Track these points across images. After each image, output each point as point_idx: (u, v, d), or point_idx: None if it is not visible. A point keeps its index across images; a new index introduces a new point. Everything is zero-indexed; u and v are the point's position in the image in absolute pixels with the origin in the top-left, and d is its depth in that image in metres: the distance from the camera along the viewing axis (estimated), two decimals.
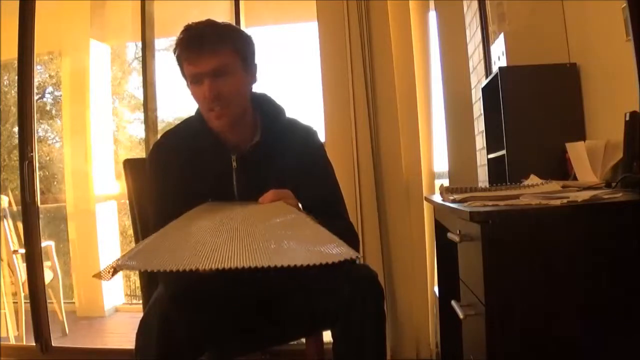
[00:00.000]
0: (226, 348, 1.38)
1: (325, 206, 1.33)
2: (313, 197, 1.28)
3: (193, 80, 1.27)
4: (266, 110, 1.38)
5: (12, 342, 3.18)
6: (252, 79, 1.35)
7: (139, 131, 4.76)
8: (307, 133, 1.43)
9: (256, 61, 1.35)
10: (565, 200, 1.14)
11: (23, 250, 3.01)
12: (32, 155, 2.90)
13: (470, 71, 2.79)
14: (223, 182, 1.32)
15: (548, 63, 2.06)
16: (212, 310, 1.25)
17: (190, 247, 0.70)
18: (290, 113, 1.44)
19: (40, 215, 3.00)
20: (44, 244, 3.11)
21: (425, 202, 2.53)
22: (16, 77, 2.98)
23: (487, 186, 1.72)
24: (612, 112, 1.75)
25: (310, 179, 1.34)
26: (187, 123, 1.41)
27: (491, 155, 2.29)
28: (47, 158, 5.02)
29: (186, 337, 1.12)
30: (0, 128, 4.32)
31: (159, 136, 1.50)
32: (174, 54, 1.30)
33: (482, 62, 2.62)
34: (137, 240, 1.58)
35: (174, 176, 1.31)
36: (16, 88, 2.99)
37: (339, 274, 1.26)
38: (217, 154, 1.33)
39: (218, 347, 1.36)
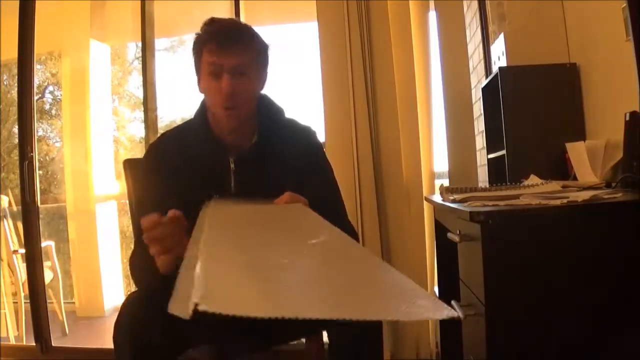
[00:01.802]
0: (225, 348, 1.38)
1: (324, 206, 1.32)
2: (312, 197, 1.28)
3: (211, 72, 1.25)
4: (266, 111, 1.38)
5: (12, 342, 3.18)
6: (262, 86, 1.36)
7: (139, 131, 4.77)
8: (306, 133, 1.42)
9: (268, 70, 1.35)
10: (565, 200, 1.14)
11: (23, 250, 3.01)
12: (32, 155, 2.90)
13: (470, 71, 2.79)
14: (221, 184, 1.32)
15: (548, 63, 2.06)
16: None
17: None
18: (290, 113, 1.43)
19: (40, 215, 3.00)
20: (44, 244, 3.11)
21: (425, 202, 2.53)
22: (16, 77, 2.99)
23: (487, 186, 1.72)
24: (612, 112, 1.75)
25: (309, 179, 1.34)
26: (185, 125, 1.41)
27: (491, 155, 2.29)
28: (47, 158, 5.02)
29: (159, 336, 1.12)
30: (0, 128, 4.32)
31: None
32: (195, 43, 1.29)
33: (482, 62, 2.63)
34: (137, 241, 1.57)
35: (168, 178, 1.31)
36: (16, 88, 2.99)
37: None
38: (215, 156, 1.33)
39: (211, 346, 1.35)
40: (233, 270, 0.61)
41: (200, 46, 1.27)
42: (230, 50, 1.23)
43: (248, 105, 1.30)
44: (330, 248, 0.75)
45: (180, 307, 0.49)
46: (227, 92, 1.23)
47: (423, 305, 0.52)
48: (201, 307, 0.46)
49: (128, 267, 1.33)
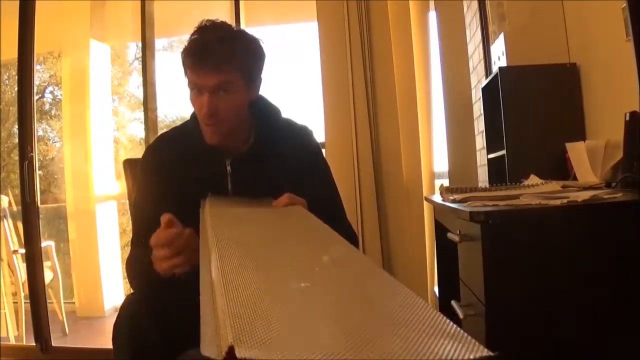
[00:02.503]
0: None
1: (323, 206, 1.32)
2: (311, 197, 1.28)
3: (193, 89, 1.24)
4: (261, 112, 1.37)
5: (12, 342, 3.18)
6: (254, 94, 1.33)
7: (139, 131, 4.77)
8: (303, 133, 1.42)
9: (262, 75, 1.32)
10: (565, 200, 1.14)
11: (23, 250, 3.02)
12: (32, 155, 2.90)
13: (470, 71, 2.79)
14: (217, 187, 1.31)
15: (548, 63, 2.06)
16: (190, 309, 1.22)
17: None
18: (289, 113, 1.43)
19: (40, 215, 3.00)
20: (44, 244, 3.11)
21: (425, 202, 2.53)
22: (16, 77, 2.99)
23: (487, 186, 1.72)
24: (612, 112, 1.75)
25: (307, 179, 1.33)
26: (181, 127, 1.40)
27: (491, 155, 2.29)
28: (47, 158, 5.02)
29: (158, 337, 1.12)
30: (0, 128, 4.32)
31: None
32: (182, 52, 1.26)
33: (482, 62, 2.63)
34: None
35: (164, 180, 1.30)
36: (16, 88, 2.99)
37: None
38: (211, 159, 1.32)
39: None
40: (257, 302, 0.59)
41: (184, 59, 1.25)
42: (207, 71, 1.20)
43: (231, 119, 1.27)
44: (346, 269, 0.74)
45: (212, 349, 0.48)
46: (206, 111, 1.22)
47: (451, 344, 0.48)
48: (239, 355, 0.45)
49: (125, 269, 1.33)
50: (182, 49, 1.26)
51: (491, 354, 0.46)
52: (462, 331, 0.50)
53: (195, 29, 1.26)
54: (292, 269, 0.72)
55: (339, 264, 0.73)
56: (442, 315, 0.53)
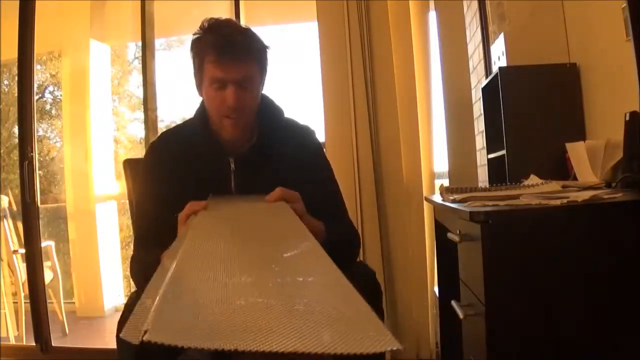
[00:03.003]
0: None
1: (325, 205, 1.33)
2: (313, 196, 1.28)
3: (214, 84, 1.25)
4: (266, 111, 1.38)
5: (12, 342, 3.18)
6: (263, 88, 1.36)
7: (139, 131, 4.76)
8: (305, 133, 1.43)
9: (267, 70, 1.35)
10: (565, 200, 1.14)
11: (23, 250, 3.02)
12: (32, 155, 2.90)
13: (470, 71, 2.79)
14: (221, 185, 1.32)
15: (548, 63, 2.06)
16: None
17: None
18: (290, 113, 1.43)
19: (40, 215, 3.00)
20: (44, 244, 3.11)
21: (425, 202, 2.53)
22: (16, 77, 2.99)
23: (487, 186, 1.72)
24: (612, 112, 1.75)
25: (309, 178, 1.34)
26: (185, 125, 1.41)
27: (491, 155, 2.29)
28: (47, 158, 5.02)
29: None
30: (0, 128, 4.32)
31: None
32: (194, 49, 1.27)
33: (482, 62, 2.63)
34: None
35: (166, 178, 1.31)
36: (16, 88, 2.99)
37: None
38: (214, 157, 1.33)
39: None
40: (192, 298, 0.63)
41: (201, 54, 1.25)
42: (234, 64, 1.22)
43: (252, 112, 1.31)
44: (298, 265, 0.76)
45: (132, 334, 0.52)
46: (232, 104, 1.24)
47: (370, 337, 0.53)
48: (146, 338, 0.49)
49: (128, 270, 1.34)
50: (198, 47, 1.26)
51: (400, 347, 0.52)
52: (381, 324, 0.54)
53: (203, 27, 1.27)
54: (248, 262, 0.75)
55: (290, 261, 0.76)
56: (369, 310, 0.56)
